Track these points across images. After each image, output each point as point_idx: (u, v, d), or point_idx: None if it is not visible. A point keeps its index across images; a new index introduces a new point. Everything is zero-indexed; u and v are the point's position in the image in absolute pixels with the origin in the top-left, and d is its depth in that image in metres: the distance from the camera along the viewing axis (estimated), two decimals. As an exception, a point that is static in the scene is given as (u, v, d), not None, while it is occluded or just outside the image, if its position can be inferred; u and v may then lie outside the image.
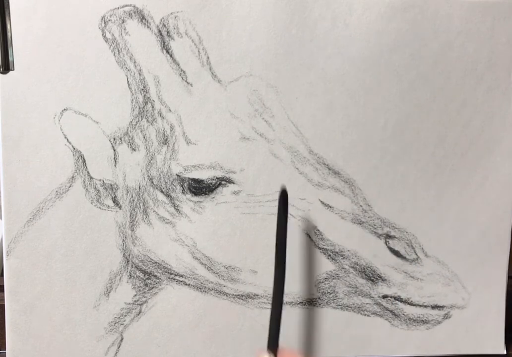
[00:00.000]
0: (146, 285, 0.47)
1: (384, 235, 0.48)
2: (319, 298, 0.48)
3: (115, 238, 0.46)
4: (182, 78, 0.44)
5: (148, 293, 0.47)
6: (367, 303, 0.49)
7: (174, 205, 0.46)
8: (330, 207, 0.47)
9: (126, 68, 0.44)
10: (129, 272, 0.46)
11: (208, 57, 0.44)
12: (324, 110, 0.46)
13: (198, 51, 0.44)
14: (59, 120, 0.44)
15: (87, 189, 0.45)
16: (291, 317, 0.48)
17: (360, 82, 0.46)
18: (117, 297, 0.46)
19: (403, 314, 0.50)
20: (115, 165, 0.45)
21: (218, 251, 0.47)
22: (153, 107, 0.44)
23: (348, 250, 0.48)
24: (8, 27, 0.42)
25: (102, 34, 0.43)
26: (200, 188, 0.46)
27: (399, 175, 0.48)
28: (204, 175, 0.46)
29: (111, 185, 0.45)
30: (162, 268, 0.46)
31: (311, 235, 0.47)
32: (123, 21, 0.43)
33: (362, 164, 0.47)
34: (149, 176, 0.45)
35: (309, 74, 0.46)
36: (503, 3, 0.46)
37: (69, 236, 0.45)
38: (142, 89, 0.44)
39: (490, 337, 0.51)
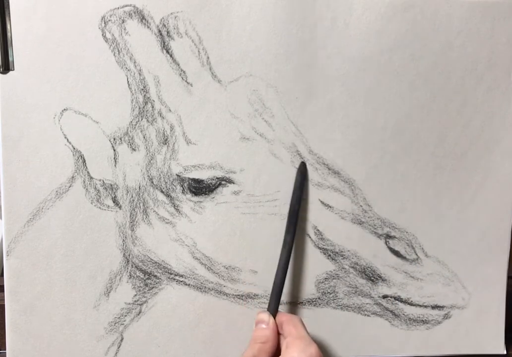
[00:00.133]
0: (146, 285, 0.47)
1: (384, 235, 0.48)
2: (319, 298, 0.48)
3: (115, 238, 0.46)
4: (182, 78, 0.44)
5: (148, 293, 0.47)
6: (367, 303, 0.49)
7: (174, 205, 0.46)
8: (330, 207, 0.47)
9: (126, 68, 0.44)
10: (129, 272, 0.46)
11: (208, 57, 0.44)
12: (324, 110, 0.46)
13: (198, 51, 0.44)
14: (59, 120, 0.44)
15: (87, 189, 0.45)
16: (291, 317, 0.48)
17: (360, 82, 0.46)
18: (117, 297, 0.46)
19: (403, 314, 0.50)
20: (115, 165, 0.45)
21: (218, 251, 0.47)
22: (153, 107, 0.44)
23: (348, 250, 0.48)
24: (8, 27, 0.42)
25: (102, 34, 0.43)
26: (200, 188, 0.46)
27: (399, 175, 0.48)
28: (204, 175, 0.46)
29: (111, 185, 0.45)
30: (162, 268, 0.46)
31: (311, 235, 0.47)
32: (123, 21, 0.43)
33: (362, 164, 0.47)
34: (149, 176, 0.45)
35: (309, 74, 0.46)
36: (503, 3, 0.46)
37: (69, 236, 0.45)
38: (142, 89, 0.44)
39: (490, 337, 0.51)
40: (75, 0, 0.43)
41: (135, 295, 0.47)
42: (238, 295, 0.47)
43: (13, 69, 0.43)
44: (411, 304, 0.49)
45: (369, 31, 0.45)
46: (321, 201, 0.47)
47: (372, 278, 0.48)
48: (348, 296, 0.49)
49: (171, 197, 0.46)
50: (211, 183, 0.46)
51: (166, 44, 0.44)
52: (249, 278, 0.47)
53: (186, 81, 0.44)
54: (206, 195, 0.46)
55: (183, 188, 0.46)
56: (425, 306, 0.50)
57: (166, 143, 0.45)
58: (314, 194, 0.47)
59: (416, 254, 0.49)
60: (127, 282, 0.46)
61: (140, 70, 0.44)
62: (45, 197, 0.44)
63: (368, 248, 0.48)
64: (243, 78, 0.45)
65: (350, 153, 0.47)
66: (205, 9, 0.44)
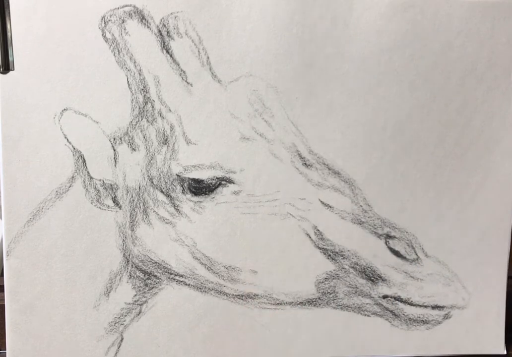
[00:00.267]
0: (146, 285, 0.47)
1: (384, 235, 0.48)
2: (319, 298, 0.48)
3: (115, 238, 0.46)
4: (182, 78, 0.44)
5: (148, 293, 0.47)
6: (367, 303, 0.49)
7: (174, 205, 0.46)
8: (330, 207, 0.47)
9: (126, 68, 0.44)
10: (129, 272, 0.46)
11: (208, 57, 0.44)
12: (324, 110, 0.46)
13: (198, 51, 0.44)
14: (59, 120, 0.44)
15: (87, 189, 0.45)
16: (291, 317, 0.48)
17: (360, 82, 0.46)
18: (117, 297, 0.46)
19: (403, 314, 0.50)
20: (115, 165, 0.45)
21: (218, 251, 0.47)
22: (153, 107, 0.44)
23: (348, 250, 0.48)
24: (8, 27, 0.42)
25: (102, 34, 0.43)
26: (200, 188, 0.46)
27: (399, 175, 0.48)
28: (204, 175, 0.46)
29: (111, 185, 0.45)
30: (162, 268, 0.46)
31: (311, 235, 0.47)
32: (123, 21, 0.43)
33: (362, 164, 0.47)
34: (149, 176, 0.45)
35: (309, 74, 0.46)
36: (503, 3, 0.46)
37: (69, 236, 0.45)
38: (142, 89, 0.44)
39: (490, 337, 0.51)
40: (75, 0, 0.43)
41: (135, 295, 0.47)
42: (238, 295, 0.47)
43: (13, 69, 0.43)
44: (411, 304, 0.49)
45: (369, 31, 0.45)
46: (321, 201, 0.47)
47: (372, 278, 0.48)
48: (348, 296, 0.49)
49: (171, 197, 0.46)
50: (211, 183, 0.46)
51: (166, 44, 0.44)
52: (249, 278, 0.47)
53: (186, 81, 0.44)
54: (206, 195, 0.46)
55: (183, 188, 0.46)
56: (425, 306, 0.50)
57: (166, 143, 0.45)
58: (314, 194, 0.47)
59: (416, 254, 0.49)
60: (127, 282, 0.46)
61: (140, 70, 0.44)
62: (45, 197, 0.45)
63: (368, 248, 0.48)
64: (243, 78, 0.45)
65: (350, 153, 0.47)
66: (205, 9, 0.44)
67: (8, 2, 0.42)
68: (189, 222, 0.46)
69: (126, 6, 0.43)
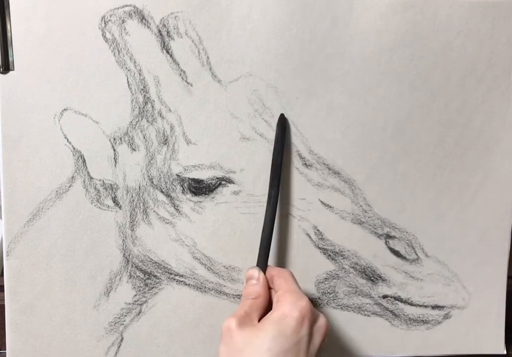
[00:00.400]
0: (146, 285, 0.47)
1: (384, 235, 0.48)
2: (319, 298, 0.48)
3: (115, 238, 0.46)
4: (182, 78, 0.44)
5: (148, 293, 0.47)
6: (367, 303, 0.49)
7: (174, 205, 0.46)
8: (330, 207, 0.47)
9: (126, 68, 0.44)
10: (129, 272, 0.46)
11: (208, 57, 0.44)
12: (324, 110, 0.46)
13: (198, 51, 0.44)
14: (59, 120, 0.44)
15: (87, 189, 0.45)
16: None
17: (360, 82, 0.46)
18: (117, 297, 0.46)
19: (403, 314, 0.50)
20: (115, 165, 0.45)
21: (218, 251, 0.47)
22: (153, 107, 0.44)
23: (348, 250, 0.48)
24: (8, 27, 0.42)
25: (102, 34, 0.43)
26: (200, 188, 0.46)
27: (399, 175, 0.48)
28: (204, 175, 0.46)
29: (111, 185, 0.45)
30: (162, 268, 0.46)
31: (311, 235, 0.47)
32: (123, 21, 0.43)
33: (362, 164, 0.47)
34: (149, 176, 0.45)
35: (309, 74, 0.46)
36: (503, 3, 0.46)
37: (69, 236, 0.45)
38: (142, 89, 0.44)
39: (490, 337, 0.51)
40: (75, 0, 0.43)
41: (135, 295, 0.47)
42: (238, 295, 0.47)
43: (13, 69, 0.43)
44: (411, 304, 0.49)
45: (369, 31, 0.45)
46: (321, 201, 0.47)
47: (372, 278, 0.48)
48: (348, 296, 0.49)
49: (171, 197, 0.46)
50: (211, 183, 0.46)
51: (166, 44, 0.44)
52: (249, 278, 0.47)
53: (186, 81, 0.44)
54: (206, 195, 0.46)
55: (183, 188, 0.46)
56: (425, 306, 0.50)
57: (166, 143, 0.45)
58: (314, 194, 0.47)
59: (416, 254, 0.49)
60: (127, 282, 0.46)
61: (140, 70, 0.44)
62: (45, 197, 0.45)
63: (368, 248, 0.48)
64: (243, 78, 0.45)
65: (350, 153, 0.47)
66: (205, 9, 0.44)
67: (8, 2, 0.42)
68: (189, 222, 0.46)
69: (126, 6, 0.43)
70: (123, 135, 0.45)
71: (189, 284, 0.47)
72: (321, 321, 0.39)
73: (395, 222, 0.48)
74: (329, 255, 0.48)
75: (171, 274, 0.47)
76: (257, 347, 0.36)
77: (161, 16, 0.43)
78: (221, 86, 0.45)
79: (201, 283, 0.47)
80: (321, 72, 0.46)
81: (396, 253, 0.49)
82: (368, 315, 0.49)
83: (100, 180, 0.45)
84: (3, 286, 0.45)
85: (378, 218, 0.48)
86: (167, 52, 0.44)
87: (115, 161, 0.45)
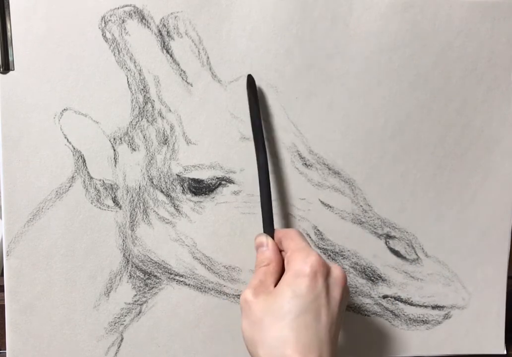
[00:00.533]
0: (146, 285, 0.47)
1: (384, 235, 0.48)
2: (319, 298, 0.48)
3: (115, 238, 0.46)
4: (182, 78, 0.44)
5: (148, 293, 0.47)
6: (367, 303, 0.49)
7: (174, 205, 0.46)
8: (330, 207, 0.47)
9: (126, 68, 0.44)
10: (129, 272, 0.46)
11: (208, 57, 0.44)
12: (324, 110, 0.46)
13: (198, 51, 0.44)
14: (59, 120, 0.44)
15: (87, 189, 0.45)
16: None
17: (360, 82, 0.46)
18: (117, 297, 0.46)
19: (403, 314, 0.50)
20: (115, 165, 0.45)
21: (218, 251, 0.47)
22: (153, 107, 0.44)
23: (348, 250, 0.48)
24: (8, 27, 0.42)
25: (102, 34, 0.43)
26: (200, 188, 0.46)
27: (399, 175, 0.48)
28: (204, 175, 0.46)
29: (111, 185, 0.45)
30: (162, 268, 0.46)
31: (311, 235, 0.47)
32: (123, 21, 0.43)
33: (362, 164, 0.47)
34: (149, 176, 0.45)
35: (309, 74, 0.46)
36: (503, 3, 0.46)
37: (69, 236, 0.45)
38: (142, 89, 0.44)
39: (490, 337, 0.51)
40: (75, 0, 0.43)
41: (135, 295, 0.47)
42: (238, 295, 0.47)
43: (13, 69, 0.43)
44: (411, 304, 0.49)
45: (369, 31, 0.45)
46: (321, 201, 0.47)
47: (372, 278, 0.48)
48: (348, 296, 0.49)
49: (171, 197, 0.46)
50: (211, 183, 0.46)
51: (166, 44, 0.44)
52: (249, 278, 0.47)
53: (186, 81, 0.44)
54: (206, 195, 0.46)
55: (183, 188, 0.46)
56: (425, 306, 0.50)
57: (166, 143, 0.45)
58: (314, 194, 0.47)
59: (416, 254, 0.49)
60: (127, 282, 0.46)
61: (140, 70, 0.44)
62: (45, 197, 0.44)
63: (368, 248, 0.48)
64: (243, 78, 0.45)
65: (350, 153, 0.47)
66: (205, 9, 0.44)
67: (8, 2, 0.42)
68: (189, 222, 0.46)
69: (126, 6, 0.43)
70: (123, 135, 0.45)
71: (189, 284, 0.47)
72: (336, 272, 0.38)
73: (395, 222, 0.48)
74: (329, 255, 0.48)
75: (171, 274, 0.47)
76: (276, 312, 0.36)
77: (161, 16, 0.43)
78: (221, 86, 0.45)
79: (201, 283, 0.47)
80: (321, 72, 0.46)
81: (396, 253, 0.49)
82: (368, 315, 0.49)
83: (100, 180, 0.45)
84: (3, 286, 0.45)
85: (378, 218, 0.48)
86: (167, 52, 0.44)
87: (115, 161, 0.45)
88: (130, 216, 0.45)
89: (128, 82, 0.44)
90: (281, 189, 0.46)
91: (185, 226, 0.46)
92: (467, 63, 0.47)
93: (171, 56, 0.44)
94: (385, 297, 0.49)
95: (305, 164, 0.46)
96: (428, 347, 0.51)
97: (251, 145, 0.46)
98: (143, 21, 0.43)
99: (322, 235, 0.47)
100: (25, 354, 0.46)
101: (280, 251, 0.41)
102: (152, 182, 0.45)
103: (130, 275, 0.46)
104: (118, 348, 0.47)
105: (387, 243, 0.48)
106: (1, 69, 0.43)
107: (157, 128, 0.45)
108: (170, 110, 0.45)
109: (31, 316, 0.46)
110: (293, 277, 0.37)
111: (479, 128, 0.48)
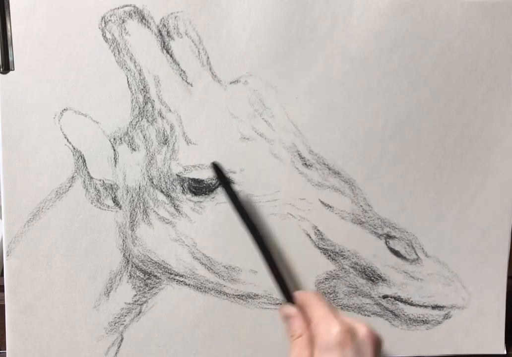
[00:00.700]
0: (146, 285, 0.47)
1: (384, 235, 0.48)
2: (319, 298, 0.48)
3: (115, 238, 0.46)
4: (182, 78, 0.44)
5: (148, 293, 0.47)
6: (367, 303, 0.49)
7: (174, 205, 0.46)
8: (330, 207, 0.47)
9: (126, 68, 0.44)
10: (129, 272, 0.46)
11: (208, 57, 0.44)
12: (324, 110, 0.46)
13: (198, 51, 0.44)
14: (59, 120, 0.44)
15: (87, 189, 0.45)
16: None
17: (360, 82, 0.46)
18: (117, 297, 0.46)
19: (403, 314, 0.50)
20: (115, 165, 0.45)
21: (218, 251, 0.47)
22: (153, 107, 0.44)
23: (348, 250, 0.48)
24: (8, 27, 0.42)
25: (102, 34, 0.43)
26: (200, 188, 0.46)
27: (399, 175, 0.48)
28: (204, 175, 0.46)
29: (111, 185, 0.45)
30: (162, 268, 0.46)
31: (311, 235, 0.47)
32: (123, 21, 0.43)
33: (362, 164, 0.47)
34: (149, 176, 0.45)
35: (309, 74, 0.46)
36: (503, 3, 0.46)
37: (69, 236, 0.45)
38: (142, 89, 0.44)
39: (490, 337, 0.51)
40: (75, 0, 0.43)
41: (135, 295, 0.47)
42: (238, 295, 0.47)
43: (13, 69, 0.43)
44: (411, 304, 0.49)
45: (369, 31, 0.45)
46: (321, 201, 0.47)
47: (372, 278, 0.48)
48: (348, 296, 0.49)
49: (171, 197, 0.46)
50: (211, 183, 0.46)
51: (166, 44, 0.44)
52: (249, 278, 0.47)
53: (186, 81, 0.44)
54: (206, 195, 0.46)
55: (183, 188, 0.46)
56: (425, 306, 0.50)
57: (166, 143, 0.45)
58: (314, 194, 0.47)
59: (416, 254, 0.49)
60: (127, 282, 0.46)
61: (140, 70, 0.44)
62: (45, 197, 0.45)
63: (368, 248, 0.48)
64: (243, 78, 0.45)
65: (350, 153, 0.47)
66: (205, 9, 0.44)
67: (8, 2, 0.42)
68: (189, 222, 0.46)
69: (126, 6, 0.43)
70: (123, 135, 0.45)
71: (189, 284, 0.47)
72: (362, 332, 0.38)
73: (395, 222, 0.48)
74: (329, 255, 0.48)
75: (171, 274, 0.47)
76: None
77: (161, 16, 0.43)
78: (221, 86, 0.45)
79: (201, 283, 0.47)
80: (321, 72, 0.46)
81: (396, 253, 0.49)
82: (368, 315, 0.49)
83: (100, 180, 0.45)
84: (3, 286, 0.45)
85: (378, 218, 0.48)
86: (167, 52, 0.44)
87: (115, 161, 0.45)
88: (130, 216, 0.45)
89: (128, 82, 0.44)
90: (281, 189, 0.46)
91: (185, 226, 0.46)
92: (467, 63, 0.47)
93: (171, 56, 0.44)
94: (385, 297, 0.49)
95: (305, 164, 0.46)
96: (428, 347, 0.51)
97: (251, 145, 0.46)
98: (143, 21, 0.43)
99: (322, 235, 0.47)
100: (25, 354, 0.46)
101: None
102: (152, 182, 0.45)
103: (130, 275, 0.46)
104: (118, 348, 0.47)
105: (387, 243, 0.48)
106: (1, 69, 0.43)
107: (157, 128, 0.45)
108: (170, 110, 0.45)
109: (31, 316, 0.46)
110: (321, 352, 0.37)
111: (479, 128, 0.48)
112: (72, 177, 0.45)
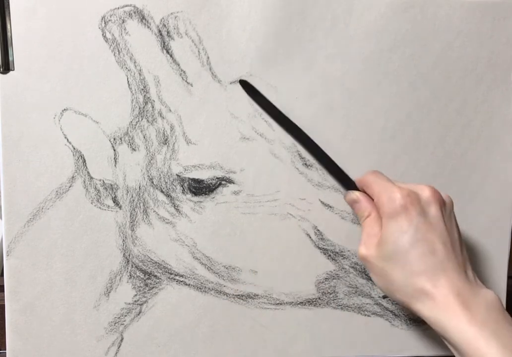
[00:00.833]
0: (146, 285, 0.47)
1: (384, 235, 0.48)
2: (319, 298, 0.48)
3: (115, 238, 0.46)
4: (182, 78, 0.44)
5: (148, 293, 0.47)
6: (367, 303, 0.49)
7: (174, 205, 0.46)
8: (330, 207, 0.47)
9: (126, 68, 0.44)
10: (129, 272, 0.46)
11: (208, 57, 0.44)
12: (324, 110, 0.46)
13: (198, 51, 0.44)
14: (59, 120, 0.44)
15: (87, 189, 0.45)
16: (291, 317, 0.48)
17: (360, 82, 0.46)
18: (117, 297, 0.46)
19: (403, 314, 0.50)
20: (115, 165, 0.45)
21: (218, 251, 0.47)
22: (153, 107, 0.44)
23: (348, 250, 0.48)
24: (8, 27, 0.42)
25: (102, 34, 0.43)
26: (200, 188, 0.46)
27: (399, 175, 0.48)
28: (204, 175, 0.46)
29: (111, 185, 0.45)
30: (162, 268, 0.46)
31: (311, 235, 0.47)
32: (123, 21, 0.43)
33: (362, 164, 0.47)
34: (149, 176, 0.45)
35: (309, 74, 0.46)
36: (503, 3, 0.46)
37: (69, 236, 0.45)
38: (142, 89, 0.44)
39: (490, 337, 0.51)
40: (75, 0, 0.43)
41: (135, 295, 0.47)
42: (238, 295, 0.47)
43: (13, 69, 0.43)
44: (411, 304, 0.49)
45: (369, 31, 0.45)
46: (321, 201, 0.47)
47: (372, 278, 0.48)
48: (348, 296, 0.49)
49: (171, 197, 0.46)
50: (211, 183, 0.46)
51: (166, 44, 0.44)
52: (249, 278, 0.47)
53: (186, 81, 0.44)
54: (206, 195, 0.46)
55: (183, 188, 0.46)
56: (425, 306, 0.50)
57: (166, 143, 0.45)
58: (314, 194, 0.47)
59: (416, 254, 0.49)
60: (127, 282, 0.46)
61: (140, 70, 0.44)
62: (45, 197, 0.45)
63: (368, 248, 0.48)
64: (243, 78, 0.45)
65: (350, 153, 0.47)
66: (205, 9, 0.44)
67: (8, 2, 0.42)
68: (189, 222, 0.46)
69: (126, 6, 0.43)
70: (123, 135, 0.45)
71: (189, 284, 0.47)
72: (424, 194, 0.39)
73: (395, 222, 0.48)
74: (329, 255, 0.48)
75: (171, 274, 0.47)
76: (391, 257, 0.38)
77: (161, 16, 0.43)
78: (221, 86, 0.45)
79: (201, 283, 0.47)
80: (321, 72, 0.46)
81: (396, 253, 0.48)
82: (368, 315, 0.49)
83: (100, 180, 0.45)
84: (3, 286, 0.45)
85: (378, 218, 0.48)
86: (167, 52, 0.44)
87: (115, 161, 0.45)
88: (130, 216, 0.45)
89: (128, 82, 0.44)
90: (281, 189, 0.46)
91: (185, 226, 0.46)
92: (467, 63, 0.47)
93: (171, 56, 0.44)
94: (385, 297, 0.49)
95: (305, 164, 0.46)
96: (428, 347, 0.51)
97: (251, 145, 0.46)
98: (143, 21, 0.43)
99: (322, 235, 0.47)
100: (25, 354, 0.46)
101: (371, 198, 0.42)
102: (152, 182, 0.45)
103: (130, 275, 0.46)
104: (118, 348, 0.47)
105: (387, 243, 0.48)
106: (1, 69, 0.43)
107: (157, 128, 0.45)
108: (170, 110, 0.45)
109: (31, 316, 0.46)
110: (388, 220, 0.39)
111: (479, 128, 0.48)
112: (72, 177, 0.45)
